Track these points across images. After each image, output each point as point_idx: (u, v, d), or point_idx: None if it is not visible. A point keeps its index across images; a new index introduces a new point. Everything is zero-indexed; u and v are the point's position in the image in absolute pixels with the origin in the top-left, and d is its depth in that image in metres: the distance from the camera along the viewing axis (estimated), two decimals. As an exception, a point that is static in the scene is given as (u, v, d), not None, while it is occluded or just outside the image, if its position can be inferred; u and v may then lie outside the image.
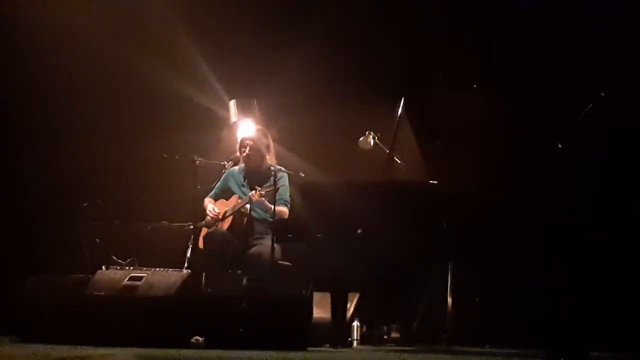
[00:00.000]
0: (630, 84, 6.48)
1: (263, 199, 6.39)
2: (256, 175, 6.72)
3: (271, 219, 6.31)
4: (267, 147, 6.76)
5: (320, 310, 5.97)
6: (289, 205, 6.52)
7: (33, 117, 7.80)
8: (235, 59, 7.79)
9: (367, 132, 6.64)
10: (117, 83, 7.75)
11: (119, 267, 6.63)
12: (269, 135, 6.81)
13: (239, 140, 6.85)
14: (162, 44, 7.71)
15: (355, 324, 6.37)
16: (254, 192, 6.41)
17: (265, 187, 6.45)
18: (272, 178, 6.39)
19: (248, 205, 6.52)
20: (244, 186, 6.75)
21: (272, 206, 6.25)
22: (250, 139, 6.76)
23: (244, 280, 5.74)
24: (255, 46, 7.75)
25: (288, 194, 6.58)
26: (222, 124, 7.51)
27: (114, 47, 7.65)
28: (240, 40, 7.78)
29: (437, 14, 7.44)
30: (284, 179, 6.56)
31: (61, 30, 7.57)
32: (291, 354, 5.07)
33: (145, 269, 6.24)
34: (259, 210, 6.57)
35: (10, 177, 7.72)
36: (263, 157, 6.72)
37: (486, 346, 6.45)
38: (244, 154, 6.73)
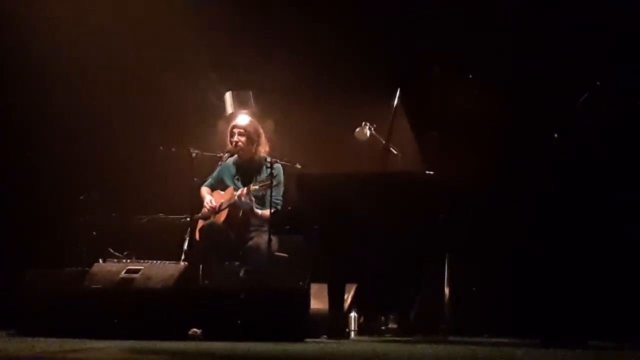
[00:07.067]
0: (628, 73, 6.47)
1: (249, 199, 6.41)
2: (249, 167, 6.71)
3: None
4: (258, 135, 6.73)
5: (318, 302, 5.97)
6: (279, 208, 6.48)
7: (29, 112, 7.78)
8: (232, 50, 7.77)
9: (363, 123, 6.62)
10: (112, 76, 7.73)
11: (116, 260, 6.61)
12: (260, 126, 6.81)
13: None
14: (158, 36, 7.69)
15: (353, 315, 6.36)
16: (242, 190, 6.44)
17: (259, 182, 6.43)
18: (266, 169, 6.39)
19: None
20: (237, 179, 6.74)
21: (258, 209, 6.33)
22: (240, 126, 6.75)
23: (242, 272, 5.75)
24: (251, 37, 7.73)
25: (282, 193, 6.57)
26: (218, 116, 7.49)
27: (110, 41, 7.64)
28: (236, 31, 7.76)
29: (434, 4, 7.42)
30: (279, 174, 6.54)
31: (57, 24, 7.55)
32: (289, 346, 5.07)
33: (142, 261, 6.24)
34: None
35: (6, 171, 7.70)
36: (254, 147, 6.69)
37: (484, 336, 6.46)
38: (234, 141, 6.72)
